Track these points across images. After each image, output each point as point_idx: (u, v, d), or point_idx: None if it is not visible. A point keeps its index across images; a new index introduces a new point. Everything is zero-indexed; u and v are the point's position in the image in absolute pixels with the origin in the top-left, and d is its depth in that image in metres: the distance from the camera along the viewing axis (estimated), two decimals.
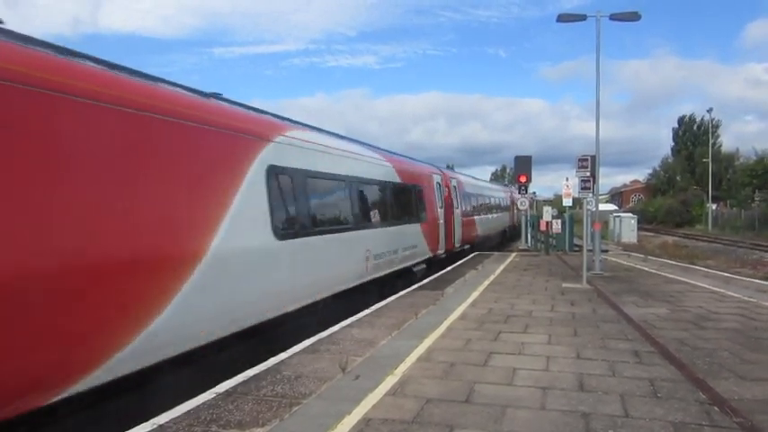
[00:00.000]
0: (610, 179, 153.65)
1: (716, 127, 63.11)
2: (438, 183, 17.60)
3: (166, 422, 4.65)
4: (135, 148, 5.29)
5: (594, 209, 16.32)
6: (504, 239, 34.69)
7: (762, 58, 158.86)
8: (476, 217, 24.58)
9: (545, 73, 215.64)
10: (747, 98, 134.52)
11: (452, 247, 19.05)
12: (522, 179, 24.56)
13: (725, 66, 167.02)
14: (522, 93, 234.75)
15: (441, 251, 17.44)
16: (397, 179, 13.85)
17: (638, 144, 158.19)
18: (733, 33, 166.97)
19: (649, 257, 20.97)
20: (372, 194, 12.23)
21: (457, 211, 19.83)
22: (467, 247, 22.16)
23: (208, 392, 5.37)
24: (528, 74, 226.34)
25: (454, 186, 20.04)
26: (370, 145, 13.66)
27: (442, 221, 17.31)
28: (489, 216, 29.21)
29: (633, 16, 15.92)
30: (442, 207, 17.48)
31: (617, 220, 37.81)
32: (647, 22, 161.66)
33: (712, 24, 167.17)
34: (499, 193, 35.40)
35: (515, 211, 38.74)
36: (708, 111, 59.02)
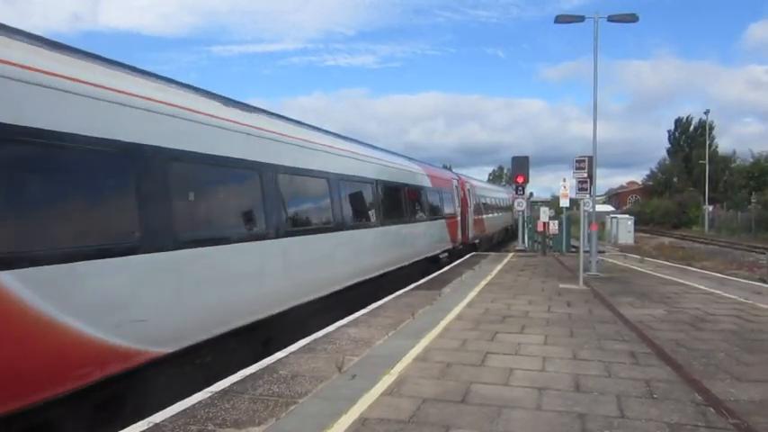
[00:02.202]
0: (608, 180, 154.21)
1: (711, 128, 63.27)
2: None
3: (162, 421, 4.64)
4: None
5: (592, 210, 16.34)
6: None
7: (763, 59, 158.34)
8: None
9: (545, 73, 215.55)
10: (748, 100, 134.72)
11: None
12: (520, 180, 24.59)
13: (726, 67, 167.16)
14: (522, 93, 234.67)
15: None
16: None
17: (637, 145, 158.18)
18: (734, 35, 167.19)
19: (646, 259, 21.01)
20: None
21: None
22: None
23: (204, 391, 5.36)
24: (527, 74, 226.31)
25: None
26: None
27: None
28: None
29: (631, 18, 15.96)
30: None
31: (614, 221, 37.90)
32: (648, 23, 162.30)
33: (713, 25, 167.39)
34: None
35: (469, 213, 23.60)
36: (705, 113, 59.36)
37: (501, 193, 38.34)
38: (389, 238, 13.09)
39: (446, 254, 19.42)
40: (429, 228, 17.18)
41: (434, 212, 17.93)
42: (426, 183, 17.42)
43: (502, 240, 34.56)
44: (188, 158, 6.09)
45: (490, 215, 30.43)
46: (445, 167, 34.81)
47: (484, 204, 28.58)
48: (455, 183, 21.99)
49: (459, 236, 21.43)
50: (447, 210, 19.71)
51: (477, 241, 25.80)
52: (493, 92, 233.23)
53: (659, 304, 10.43)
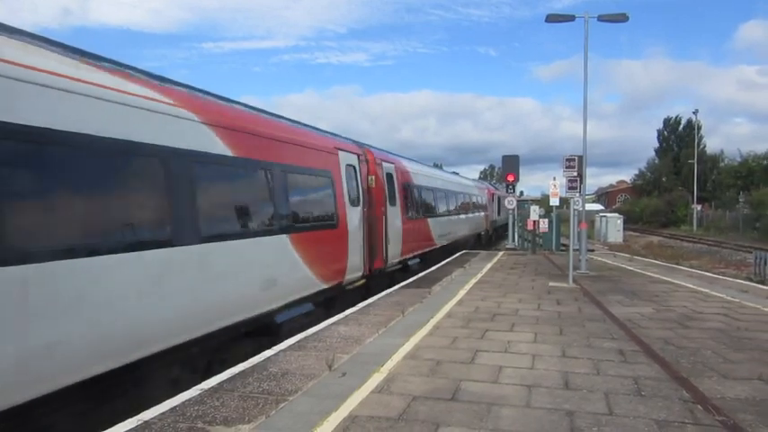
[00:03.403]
0: (597, 179, 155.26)
1: (699, 128, 63.81)
2: None
3: (151, 418, 4.62)
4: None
5: (581, 208, 16.42)
6: None
7: (753, 59, 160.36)
8: None
9: (537, 72, 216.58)
10: (738, 100, 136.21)
11: None
12: (510, 178, 24.68)
13: (717, 67, 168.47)
14: (514, 92, 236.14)
15: None
16: None
17: (627, 144, 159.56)
18: (725, 35, 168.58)
19: (635, 257, 21.17)
20: None
21: None
22: None
23: (193, 389, 5.34)
24: (519, 73, 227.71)
25: None
26: None
27: None
28: None
29: (621, 17, 16.04)
30: None
31: (603, 219, 38.12)
32: (640, 23, 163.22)
33: (705, 25, 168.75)
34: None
35: (389, 216, 13.51)
36: (693, 112, 59.77)
37: (469, 188, 28.31)
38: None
39: (303, 310, 8.93)
40: (210, 260, 6.54)
41: (253, 220, 7.71)
42: (213, 146, 6.84)
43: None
44: None
45: (444, 218, 20.59)
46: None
47: (433, 202, 19.12)
48: (349, 159, 11.47)
49: (356, 260, 11.31)
50: (310, 211, 9.61)
51: (412, 262, 15.87)
52: (485, 91, 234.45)
53: (648, 302, 10.51)
